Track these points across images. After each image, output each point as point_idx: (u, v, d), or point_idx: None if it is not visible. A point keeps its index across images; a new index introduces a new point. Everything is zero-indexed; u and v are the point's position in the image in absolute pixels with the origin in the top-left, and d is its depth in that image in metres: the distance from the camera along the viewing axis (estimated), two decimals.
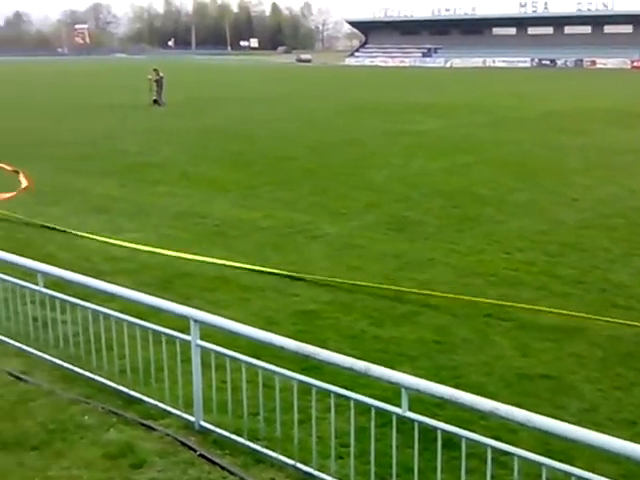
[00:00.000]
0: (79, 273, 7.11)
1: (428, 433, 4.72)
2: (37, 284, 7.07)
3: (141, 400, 6.36)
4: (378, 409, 4.90)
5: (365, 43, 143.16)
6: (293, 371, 5.44)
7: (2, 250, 8.10)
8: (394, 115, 34.03)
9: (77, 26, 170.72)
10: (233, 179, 18.27)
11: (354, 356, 5.22)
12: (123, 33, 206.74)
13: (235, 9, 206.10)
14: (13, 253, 7.99)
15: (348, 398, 5.03)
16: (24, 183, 16.38)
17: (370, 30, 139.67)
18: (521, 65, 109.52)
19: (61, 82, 59.35)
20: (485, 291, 9.87)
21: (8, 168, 18.04)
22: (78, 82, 59.20)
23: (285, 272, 10.53)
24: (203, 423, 5.93)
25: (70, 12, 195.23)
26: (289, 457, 5.40)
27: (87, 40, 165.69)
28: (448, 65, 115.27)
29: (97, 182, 17.68)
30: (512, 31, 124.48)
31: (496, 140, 25.44)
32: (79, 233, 12.73)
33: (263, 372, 5.52)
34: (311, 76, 77.89)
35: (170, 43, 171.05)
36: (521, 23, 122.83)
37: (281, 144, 24.65)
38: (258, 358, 5.65)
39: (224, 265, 10.93)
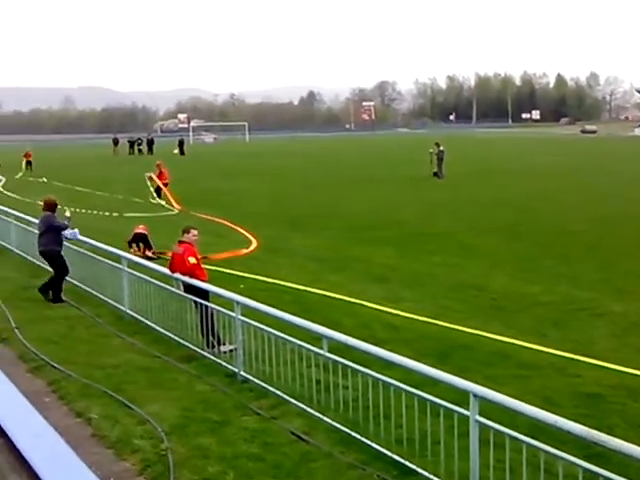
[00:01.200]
0: (359, 340, 7.35)
1: None
2: (322, 348, 7.40)
3: (416, 472, 6.34)
4: None
5: None
6: (576, 457, 5.12)
7: (291, 313, 8.65)
8: None
9: (364, 103, 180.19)
10: (511, 251, 17.95)
11: None
12: (406, 108, 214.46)
13: (518, 82, 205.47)
14: (300, 317, 8.49)
15: None
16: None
17: None
18: None
19: (347, 156, 62.73)
20: None
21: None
22: (363, 156, 62.17)
23: (567, 353, 10.04)
24: None
25: (358, 90, 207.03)
26: None
27: (372, 116, 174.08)
28: None
29: (377, 251, 18.27)
30: None
31: None
32: (359, 301, 13.18)
33: (545, 455, 5.25)
34: (595, 147, 74.91)
35: (451, 117, 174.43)
36: None
37: (561, 217, 23.83)
38: (536, 439, 5.40)
39: (502, 340, 10.68)
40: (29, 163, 47.48)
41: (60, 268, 13.16)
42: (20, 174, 41.36)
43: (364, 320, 11.98)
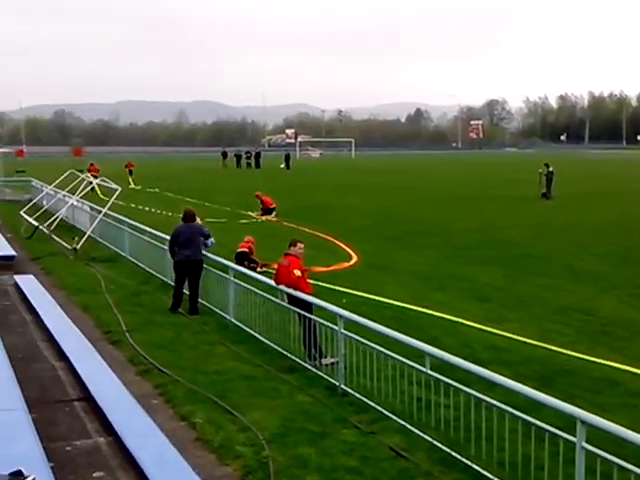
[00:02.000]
0: (460, 359, 7.29)
1: None
2: (424, 365, 7.37)
3: None
4: None
5: None
6: None
7: (392, 329, 8.65)
8: None
9: (472, 122, 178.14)
10: (622, 276, 17.35)
11: None
12: (515, 127, 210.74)
13: (634, 102, 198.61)
14: (401, 333, 8.48)
15: None
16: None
17: None
18: None
19: (453, 174, 62.18)
20: None
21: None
22: (469, 174, 61.50)
23: None
24: None
25: (467, 109, 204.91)
26: None
27: (480, 135, 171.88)
28: None
29: (481, 270, 18.02)
30: None
31: None
32: (461, 320, 13.03)
33: None
34: None
35: (562, 137, 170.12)
36: None
37: None
38: None
39: (610, 366, 10.34)
40: (130, 173, 50.14)
41: (198, 277, 13.36)
42: (132, 185, 42.95)
43: (465, 339, 11.83)
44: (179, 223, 13.91)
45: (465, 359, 7.48)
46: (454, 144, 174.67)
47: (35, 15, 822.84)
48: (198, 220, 14.50)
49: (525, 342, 11.60)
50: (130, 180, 47.06)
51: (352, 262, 19.18)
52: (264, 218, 28.77)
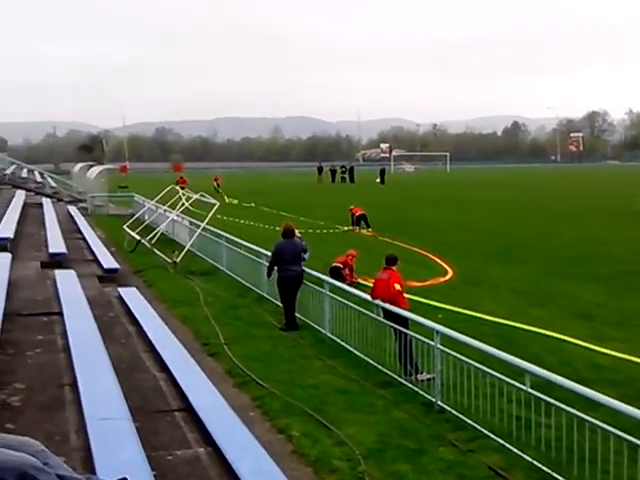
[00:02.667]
0: (561, 377, 7.10)
1: None
2: (524, 383, 7.21)
3: None
4: None
5: None
6: None
7: (490, 346, 8.51)
8: None
9: (572, 134, 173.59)
10: None
11: None
12: (617, 140, 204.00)
13: None
14: (500, 350, 8.33)
15: None
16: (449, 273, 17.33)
17: None
18: None
19: (552, 188, 60.71)
20: None
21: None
22: (568, 188, 59.93)
23: None
24: None
25: (566, 121, 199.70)
26: None
27: (580, 147, 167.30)
28: None
29: (582, 287, 17.55)
30: None
31: None
32: (562, 337, 12.70)
33: None
34: None
35: None
36: None
37: None
38: None
39: None
40: (217, 187, 51.58)
41: (297, 291, 13.42)
42: (228, 199, 43.73)
43: (566, 357, 11.53)
44: (279, 239, 14.03)
45: (566, 378, 7.28)
46: (553, 157, 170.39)
47: (135, 37, 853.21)
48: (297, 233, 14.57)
49: (630, 361, 11.21)
50: (223, 195, 48.14)
51: (447, 277, 18.98)
52: (363, 231, 28.91)
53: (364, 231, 29.22)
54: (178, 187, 29.46)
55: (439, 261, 21.31)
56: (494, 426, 7.91)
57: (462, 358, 8.65)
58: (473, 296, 16.45)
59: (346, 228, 29.68)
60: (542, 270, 20.08)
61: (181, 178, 47.36)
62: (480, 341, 8.87)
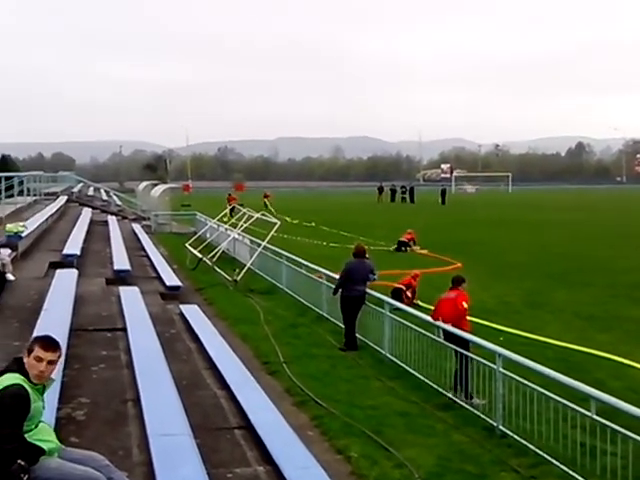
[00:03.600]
0: (628, 404, 6.92)
1: None
2: (588, 409, 7.05)
3: None
4: None
5: None
6: None
7: (554, 370, 8.35)
8: None
9: (639, 155, 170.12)
10: None
11: None
12: None
13: None
14: (563, 374, 8.17)
15: None
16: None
17: None
18: None
19: (617, 210, 59.44)
20: None
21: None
22: (634, 210, 58.55)
23: None
24: None
25: (632, 142, 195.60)
26: None
27: None
28: None
29: None
30: None
31: None
32: (629, 362, 12.39)
33: None
34: None
35: None
36: None
37: None
38: None
39: None
40: (267, 204, 52.22)
41: (359, 311, 13.40)
42: (289, 219, 43.99)
43: (633, 384, 11.23)
44: (350, 259, 14.02)
45: (632, 404, 7.10)
46: (618, 179, 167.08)
47: (200, 57, 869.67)
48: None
49: None
50: (273, 212, 48.72)
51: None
52: (423, 251, 28.76)
53: (417, 248, 29.06)
54: (229, 206, 29.97)
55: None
56: (557, 452, 7.74)
57: (524, 382, 8.50)
58: (536, 319, 16.18)
59: (409, 250, 29.50)
60: (608, 293, 19.63)
61: (229, 195, 49.45)
62: (543, 365, 8.72)
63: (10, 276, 13.16)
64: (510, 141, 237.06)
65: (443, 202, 69.11)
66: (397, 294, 16.83)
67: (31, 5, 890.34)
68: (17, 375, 5.19)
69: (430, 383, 10.64)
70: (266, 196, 55.81)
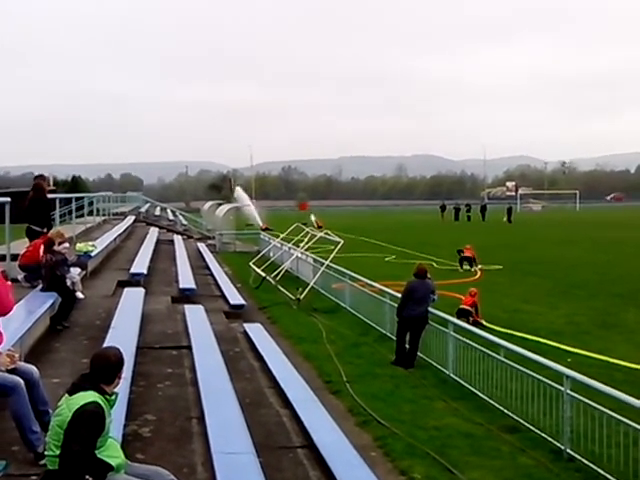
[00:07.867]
0: None
1: None
2: None
3: None
4: None
5: None
6: None
7: (624, 393, 8.13)
8: None
9: None
10: None
11: None
12: None
13: None
14: (635, 397, 7.94)
15: None
16: None
17: None
18: None
19: None
20: None
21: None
22: None
23: None
24: None
25: None
26: None
27: None
28: None
29: None
30: None
31: None
32: None
33: None
34: None
35: None
36: None
37: None
38: None
39: None
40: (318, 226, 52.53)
41: (422, 331, 13.35)
42: (353, 236, 43.96)
43: None
44: (411, 279, 13.95)
45: None
46: None
47: (265, 77, 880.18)
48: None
49: None
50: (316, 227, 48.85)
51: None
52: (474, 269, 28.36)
53: (479, 268, 28.63)
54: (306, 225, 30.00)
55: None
56: (628, 477, 7.52)
57: (593, 405, 8.30)
58: (605, 340, 15.79)
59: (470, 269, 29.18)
60: None
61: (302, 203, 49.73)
62: (612, 387, 8.49)
63: (80, 294, 13.44)
64: (577, 158, 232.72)
65: (509, 220, 68.24)
66: (462, 314, 16.66)
67: (99, 33, 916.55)
68: (93, 392, 5.30)
69: (495, 404, 10.47)
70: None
